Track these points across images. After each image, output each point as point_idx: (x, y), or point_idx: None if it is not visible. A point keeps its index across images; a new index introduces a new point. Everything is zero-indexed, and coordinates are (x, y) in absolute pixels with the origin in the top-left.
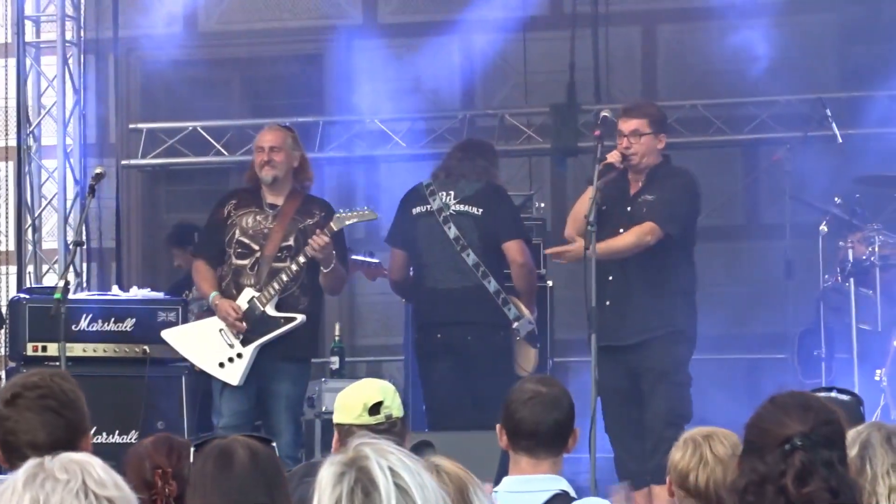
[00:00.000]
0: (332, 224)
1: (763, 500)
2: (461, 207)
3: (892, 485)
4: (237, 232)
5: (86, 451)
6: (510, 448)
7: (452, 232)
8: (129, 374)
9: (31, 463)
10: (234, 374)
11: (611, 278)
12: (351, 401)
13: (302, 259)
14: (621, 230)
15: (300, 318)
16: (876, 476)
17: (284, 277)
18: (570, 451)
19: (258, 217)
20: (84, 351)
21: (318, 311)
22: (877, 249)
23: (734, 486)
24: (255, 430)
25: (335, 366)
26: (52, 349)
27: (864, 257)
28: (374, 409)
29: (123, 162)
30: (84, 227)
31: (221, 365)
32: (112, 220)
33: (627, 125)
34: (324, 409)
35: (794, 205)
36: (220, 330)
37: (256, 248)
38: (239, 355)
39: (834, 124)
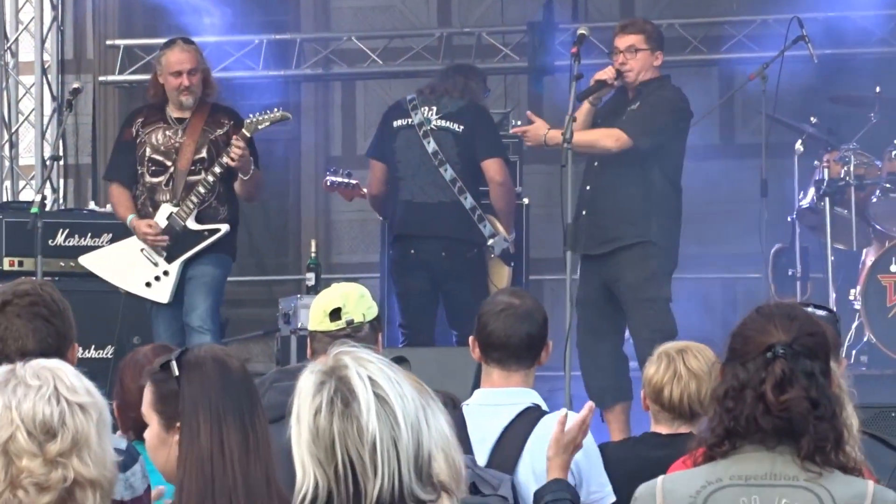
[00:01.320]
0: (244, 131)
1: (742, 405)
2: (442, 123)
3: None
4: (148, 150)
5: (72, 360)
6: (482, 360)
7: (431, 146)
8: (105, 290)
9: (3, 369)
10: (162, 293)
11: (588, 188)
12: (314, 307)
13: (218, 169)
14: None
15: (224, 228)
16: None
17: (202, 190)
18: (543, 364)
19: (167, 132)
20: (61, 266)
21: (237, 218)
22: (852, 169)
23: (714, 392)
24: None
25: (311, 282)
26: (29, 264)
27: (839, 177)
28: (335, 314)
29: (100, 78)
30: (61, 143)
31: (148, 284)
32: (89, 136)
33: (623, 41)
34: (299, 325)
35: (769, 124)
36: (142, 249)
37: (169, 163)
38: (165, 273)
39: (810, 44)
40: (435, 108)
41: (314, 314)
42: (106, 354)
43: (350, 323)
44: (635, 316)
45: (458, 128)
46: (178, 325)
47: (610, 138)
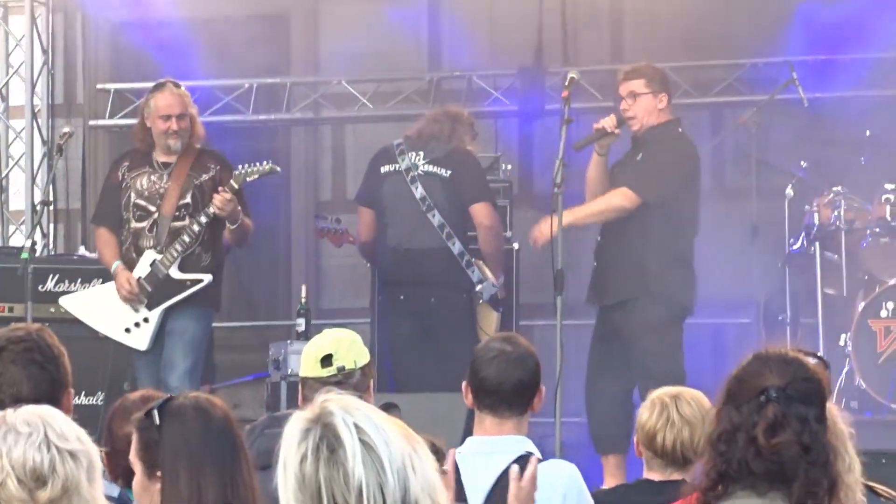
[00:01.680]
0: (232, 182)
1: (734, 448)
2: (429, 168)
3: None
4: (133, 195)
5: (67, 406)
6: (475, 406)
7: (419, 192)
8: (95, 336)
9: None
10: (141, 339)
11: (599, 239)
12: (306, 354)
13: (203, 219)
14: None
15: (206, 279)
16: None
17: (186, 238)
18: (536, 411)
19: (152, 177)
20: (51, 311)
21: (221, 267)
22: (842, 213)
23: (709, 435)
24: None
25: (301, 328)
26: (19, 309)
27: (829, 221)
28: (326, 360)
29: (91, 122)
30: (51, 188)
31: (127, 330)
32: (79, 181)
33: (625, 87)
34: (289, 371)
35: (760, 168)
36: None
37: (153, 209)
38: (145, 319)
39: (800, 87)
40: (422, 154)
41: (305, 361)
42: (96, 401)
43: (341, 369)
44: (638, 367)
45: (446, 173)
46: (159, 371)
47: (622, 198)
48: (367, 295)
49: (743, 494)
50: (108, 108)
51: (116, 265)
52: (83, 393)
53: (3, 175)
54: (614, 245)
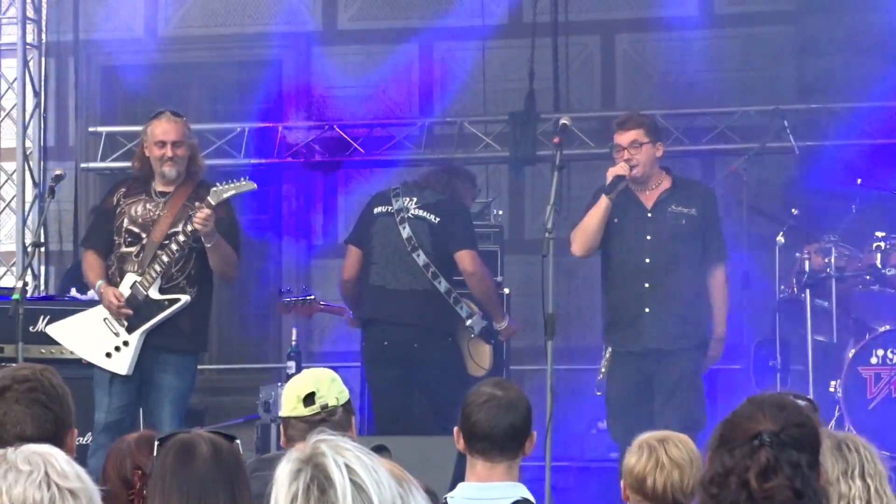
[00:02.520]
0: (209, 199)
1: (726, 492)
2: (419, 212)
3: (842, 492)
4: (126, 220)
5: (70, 446)
6: (467, 451)
7: (406, 232)
8: (87, 376)
9: None
10: (121, 364)
11: (647, 286)
12: (287, 393)
13: (182, 238)
14: (648, 237)
15: (184, 298)
16: (828, 481)
17: (165, 258)
18: (528, 454)
19: (148, 205)
20: (41, 353)
21: (206, 304)
22: (833, 261)
23: (702, 479)
24: (135, 422)
25: (291, 370)
26: (10, 350)
27: (820, 269)
28: (308, 399)
29: (83, 165)
30: (43, 229)
31: (108, 355)
32: (70, 223)
33: (625, 137)
34: (280, 413)
35: (750, 215)
36: (105, 319)
37: (144, 235)
38: (125, 343)
39: (791, 136)
40: (415, 199)
41: (287, 400)
42: (87, 441)
43: (325, 407)
44: (681, 406)
45: (434, 219)
46: (130, 399)
47: (724, 278)
48: (357, 339)
49: None
50: (100, 151)
51: (101, 283)
52: (76, 433)
53: None
54: (670, 292)
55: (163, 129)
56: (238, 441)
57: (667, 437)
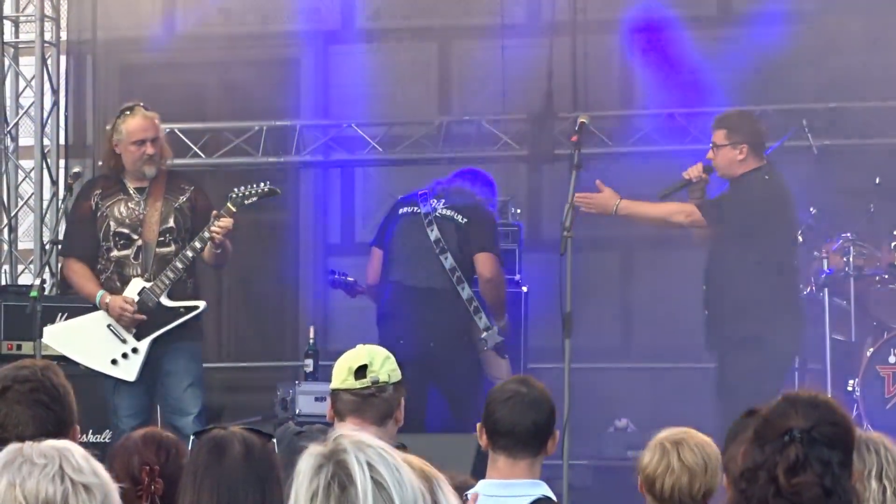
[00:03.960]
0: (229, 205)
1: (754, 487)
2: (447, 212)
3: (858, 492)
4: (112, 223)
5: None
6: (489, 447)
7: (434, 234)
8: (96, 373)
9: (12, 447)
10: (129, 371)
11: (704, 288)
12: (339, 365)
13: (199, 244)
14: None
15: (201, 305)
16: (862, 482)
17: (179, 265)
18: (550, 454)
19: (129, 204)
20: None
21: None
22: (851, 260)
23: (733, 474)
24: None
25: (309, 369)
26: (28, 348)
27: (838, 268)
28: (360, 372)
29: (100, 163)
30: (60, 228)
31: (114, 362)
32: None
33: (713, 136)
34: (297, 411)
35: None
36: (109, 325)
37: (136, 236)
38: (134, 350)
39: (810, 135)
40: (444, 200)
41: (338, 372)
42: (104, 439)
43: (375, 382)
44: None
45: (462, 220)
46: (143, 403)
47: (682, 213)
48: (375, 337)
49: None
50: None
51: (101, 294)
52: (90, 431)
53: (13, 215)
54: (718, 292)
55: (140, 125)
56: (274, 440)
57: (683, 439)
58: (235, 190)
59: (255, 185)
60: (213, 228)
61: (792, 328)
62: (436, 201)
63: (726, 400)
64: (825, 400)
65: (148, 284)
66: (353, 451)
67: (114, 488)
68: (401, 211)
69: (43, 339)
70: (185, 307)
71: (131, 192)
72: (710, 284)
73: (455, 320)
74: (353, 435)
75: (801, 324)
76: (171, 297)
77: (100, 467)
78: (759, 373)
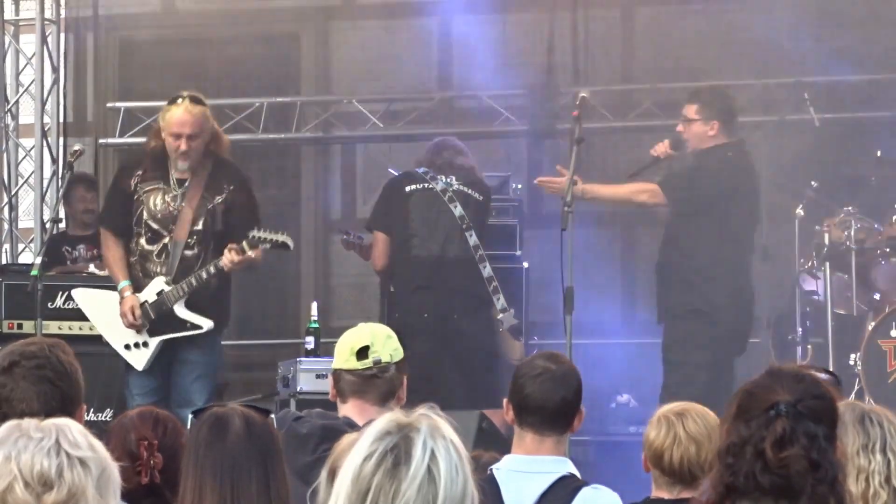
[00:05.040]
0: (245, 244)
1: (741, 462)
2: (463, 188)
3: (861, 465)
4: (145, 213)
5: (79, 422)
6: (516, 423)
7: (458, 210)
8: (104, 353)
9: (11, 423)
10: (139, 360)
11: (659, 259)
12: (341, 345)
13: (213, 269)
14: None
15: (206, 325)
16: (845, 455)
17: (194, 282)
18: (575, 431)
19: (166, 197)
20: (59, 328)
21: (227, 282)
22: (852, 234)
23: (718, 449)
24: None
25: (310, 346)
26: (28, 326)
27: (840, 241)
28: (362, 353)
29: (101, 141)
30: (61, 206)
31: (127, 347)
32: None
33: (685, 110)
34: (298, 388)
35: (770, 188)
36: None
37: (165, 233)
38: (145, 343)
39: (811, 108)
40: (454, 176)
41: (340, 352)
42: (105, 417)
43: (377, 363)
44: (663, 377)
45: (479, 196)
46: (154, 384)
47: (645, 193)
48: (376, 314)
49: None
50: (119, 127)
51: (123, 286)
52: (91, 410)
53: (13, 193)
54: (665, 265)
55: (179, 119)
56: (273, 416)
57: (686, 411)
58: (255, 232)
59: (273, 233)
60: (223, 261)
61: (739, 306)
62: (446, 177)
63: (668, 375)
64: (808, 374)
65: (168, 288)
66: (424, 433)
67: (111, 464)
68: (408, 189)
69: (73, 294)
70: (191, 323)
71: (172, 182)
72: (664, 255)
73: (479, 294)
74: (436, 419)
75: (751, 301)
76: (189, 301)
77: (97, 443)
78: (703, 349)
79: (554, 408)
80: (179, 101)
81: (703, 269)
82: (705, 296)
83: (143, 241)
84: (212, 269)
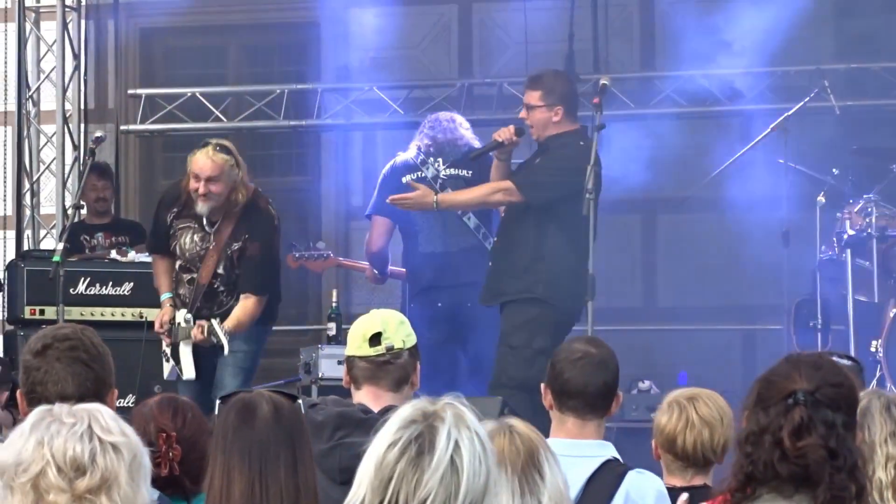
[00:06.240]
0: (196, 331)
1: (760, 451)
2: (451, 171)
3: (890, 453)
4: (178, 249)
5: (111, 406)
6: (555, 408)
7: None
8: (127, 338)
9: (42, 408)
10: (165, 367)
11: (495, 240)
12: (353, 332)
13: (214, 340)
14: None
15: (226, 350)
16: (874, 444)
17: (199, 335)
18: (612, 415)
19: (195, 237)
20: (81, 314)
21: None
22: (874, 221)
23: (738, 437)
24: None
25: (332, 332)
26: (50, 312)
27: (861, 228)
28: (374, 339)
29: (122, 127)
30: (82, 192)
31: (164, 354)
32: None
33: (526, 97)
34: (320, 374)
35: (791, 175)
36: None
37: (193, 272)
38: (167, 357)
39: (832, 95)
40: (441, 160)
41: (352, 339)
42: (127, 403)
43: (390, 349)
44: (497, 361)
45: (468, 173)
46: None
47: (499, 192)
48: (397, 301)
49: (769, 497)
50: (140, 113)
51: (165, 298)
52: None
53: (35, 179)
54: (504, 248)
55: (200, 164)
56: (300, 401)
57: (696, 395)
58: (216, 320)
59: (223, 334)
60: (194, 331)
61: (573, 295)
62: (433, 161)
63: (499, 363)
64: (827, 361)
65: (184, 324)
66: (449, 423)
67: (143, 449)
68: (403, 180)
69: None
70: (218, 338)
71: (204, 223)
72: (502, 237)
73: None
74: (462, 409)
75: (584, 291)
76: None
77: (129, 428)
78: (531, 333)
79: (595, 391)
80: (206, 146)
81: (543, 255)
82: (544, 283)
83: (177, 266)
84: (213, 340)
